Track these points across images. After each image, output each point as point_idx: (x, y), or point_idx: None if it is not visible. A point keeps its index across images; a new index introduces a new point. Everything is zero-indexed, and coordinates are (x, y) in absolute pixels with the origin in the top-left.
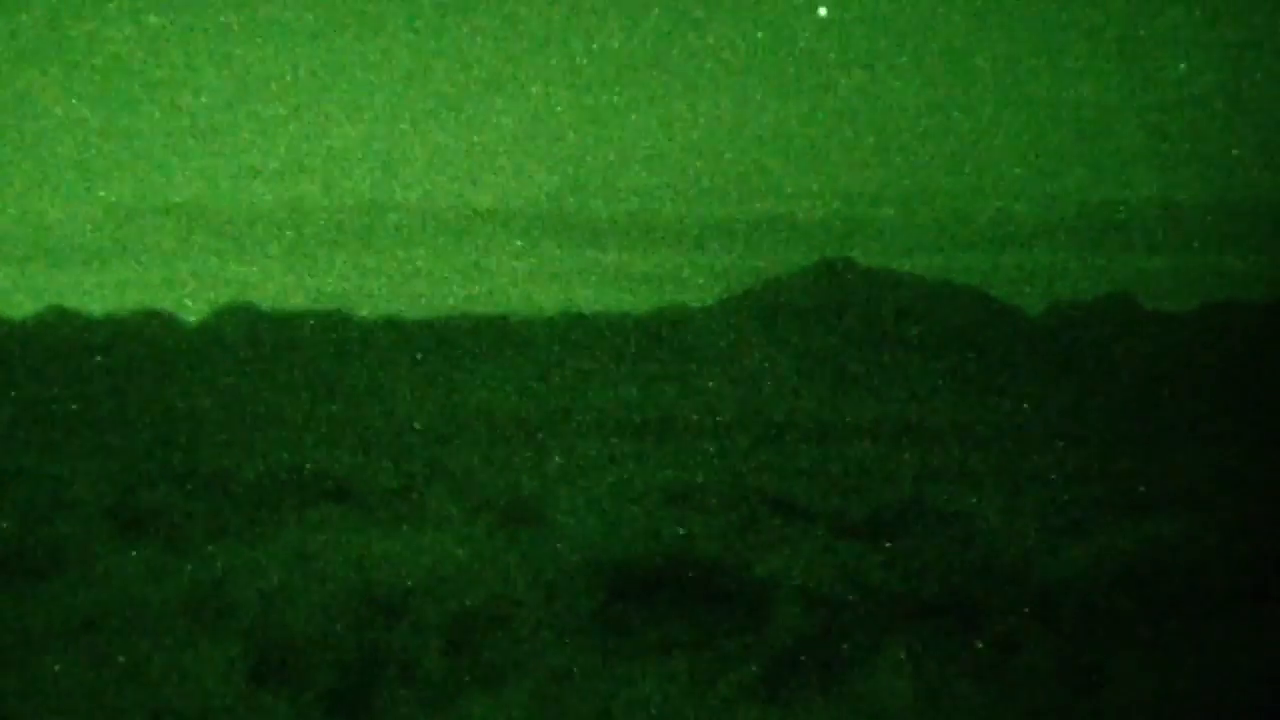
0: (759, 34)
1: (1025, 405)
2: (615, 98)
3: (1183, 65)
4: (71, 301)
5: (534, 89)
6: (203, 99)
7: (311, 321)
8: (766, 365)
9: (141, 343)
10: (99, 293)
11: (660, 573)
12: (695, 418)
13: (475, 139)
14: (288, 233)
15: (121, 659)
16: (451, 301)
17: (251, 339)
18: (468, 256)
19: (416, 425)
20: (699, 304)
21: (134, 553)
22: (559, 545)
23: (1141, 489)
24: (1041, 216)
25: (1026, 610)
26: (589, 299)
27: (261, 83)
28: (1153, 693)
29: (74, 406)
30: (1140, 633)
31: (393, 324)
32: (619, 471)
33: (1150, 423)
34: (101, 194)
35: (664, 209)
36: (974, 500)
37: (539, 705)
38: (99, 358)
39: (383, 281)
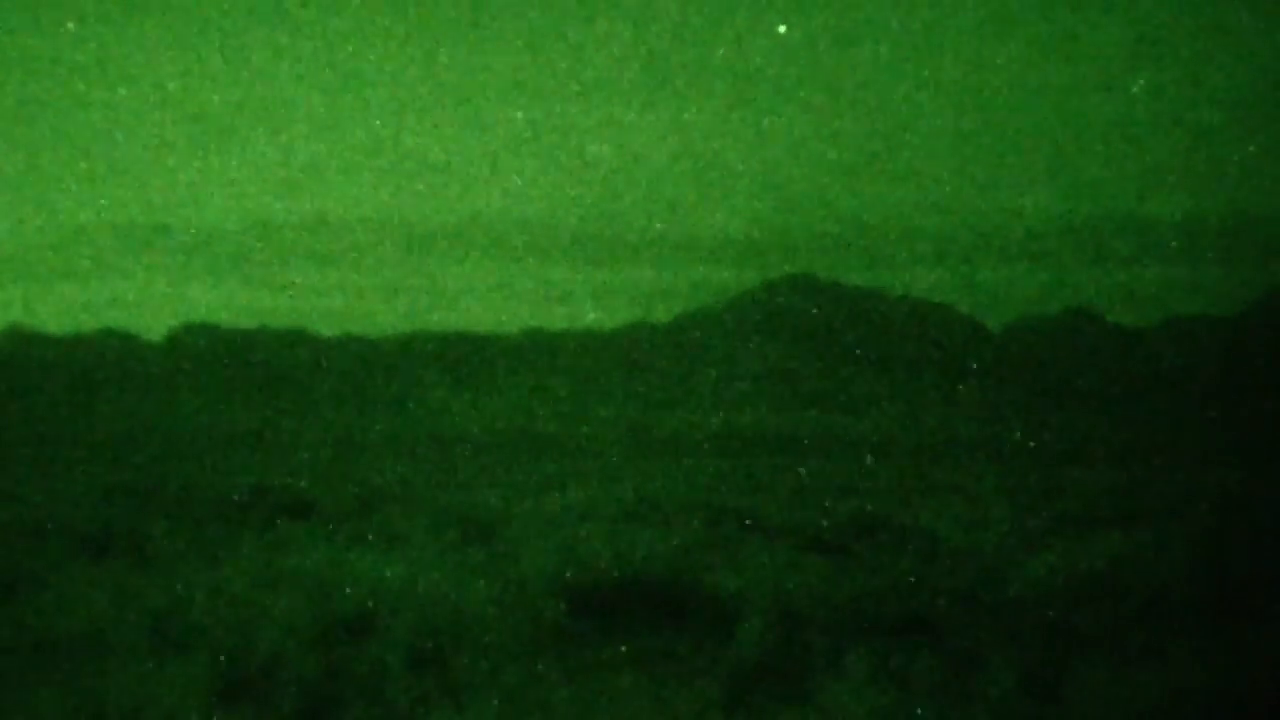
0: (721, 53)
1: (988, 419)
2: (580, 116)
3: (1140, 82)
4: (31, 320)
5: (499, 108)
6: (163, 118)
7: (272, 340)
8: (730, 380)
9: (102, 362)
10: (59, 312)
11: (623, 588)
12: (659, 432)
13: (437, 158)
14: (248, 251)
15: (83, 681)
16: (413, 319)
17: (212, 358)
18: (429, 274)
19: (379, 442)
20: (662, 320)
21: (95, 572)
22: (521, 561)
23: (1104, 503)
24: (1003, 233)
25: (989, 625)
26: (552, 315)
27: (221, 103)
28: (1115, 709)
29: (33, 425)
30: (1103, 648)
31: (353, 342)
32: (582, 487)
33: (1112, 436)
34: (60, 213)
35: (627, 226)
36: (937, 514)
37: None
38: (59, 376)
39: (343, 299)
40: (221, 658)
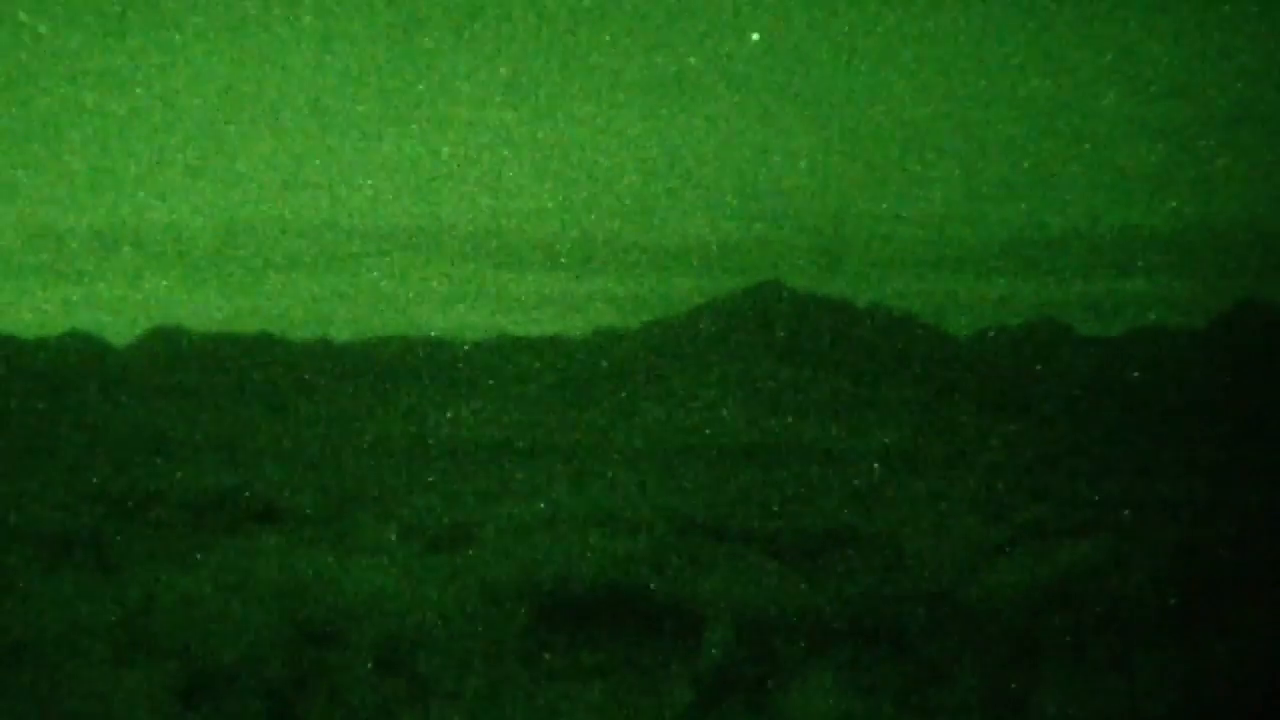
0: (693, 61)
1: (954, 428)
2: (552, 124)
3: (1110, 94)
4: None
5: (471, 116)
6: (132, 121)
7: (242, 344)
8: (697, 388)
9: (69, 364)
10: (27, 314)
11: (591, 596)
12: (626, 440)
13: (409, 164)
14: (220, 255)
15: (47, 685)
16: (383, 324)
17: (180, 361)
18: (399, 279)
19: (346, 447)
20: (630, 327)
21: (61, 576)
22: (489, 568)
23: (1069, 513)
24: (971, 242)
25: (954, 634)
26: (523, 322)
27: (195, 107)
28: (1080, 717)
29: None
30: (1067, 657)
31: (324, 347)
32: (550, 494)
33: (1078, 445)
34: (30, 215)
35: (594, 232)
36: (902, 523)
37: None
38: (26, 378)
39: (314, 304)
40: (187, 662)
